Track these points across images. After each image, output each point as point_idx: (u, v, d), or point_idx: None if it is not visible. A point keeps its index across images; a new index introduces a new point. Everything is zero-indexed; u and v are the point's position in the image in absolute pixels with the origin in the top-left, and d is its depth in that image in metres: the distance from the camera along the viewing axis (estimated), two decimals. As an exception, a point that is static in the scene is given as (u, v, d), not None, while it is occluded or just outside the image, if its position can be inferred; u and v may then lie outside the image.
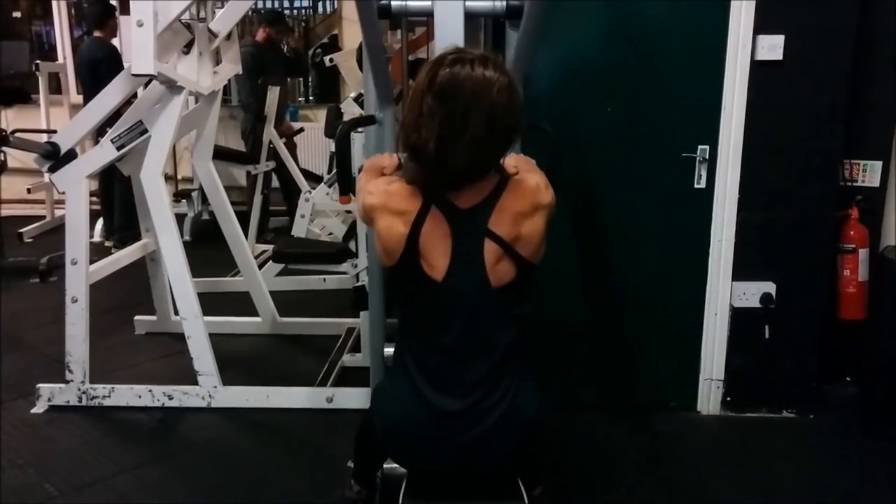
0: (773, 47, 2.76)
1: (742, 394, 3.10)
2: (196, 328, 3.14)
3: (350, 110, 4.57)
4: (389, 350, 2.48)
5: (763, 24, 2.75)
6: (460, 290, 1.56)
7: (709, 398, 3.12)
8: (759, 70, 2.79)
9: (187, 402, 3.17)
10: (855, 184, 3.10)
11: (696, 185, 2.93)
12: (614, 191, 2.96)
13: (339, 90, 7.05)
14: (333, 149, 5.90)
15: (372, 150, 2.51)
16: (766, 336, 3.00)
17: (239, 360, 3.60)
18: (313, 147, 6.80)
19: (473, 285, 1.55)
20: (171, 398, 3.17)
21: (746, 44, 2.77)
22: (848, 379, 3.30)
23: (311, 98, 7.43)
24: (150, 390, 3.17)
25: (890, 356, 2.86)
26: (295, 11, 7.40)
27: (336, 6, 7.17)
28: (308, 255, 3.47)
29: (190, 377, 3.19)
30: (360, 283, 3.35)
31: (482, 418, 1.59)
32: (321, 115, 7.08)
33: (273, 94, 5.13)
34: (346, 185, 2.38)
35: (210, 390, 3.16)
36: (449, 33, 2.09)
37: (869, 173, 3.10)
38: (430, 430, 1.61)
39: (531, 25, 2.04)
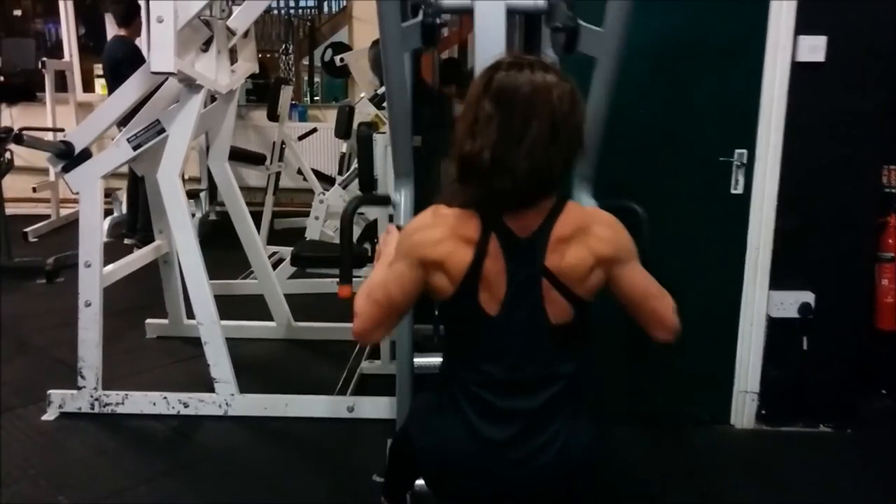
0: (814, 48, 2.68)
1: (777, 407, 3.00)
2: (213, 334, 3.04)
3: (366, 111, 4.47)
4: (419, 360, 2.41)
5: (804, 25, 2.66)
6: (516, 328, 1.45)
7: (743, 411, 3.02)
8: (800, 72, 2.70)
9: (203, 409, 3.07)
10: (893, 190, 3.01)
11: (732, 191, 2.84)
12: (647, 195, 2.83)
13: (348, 90, 6.97)
14: (344, 150, 5.90)
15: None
16: (805, 348, 2.91)
17: (254, 367, 3.50)
18: (323, 147, 6.70)
19: (530, 322, 1.45)
20: (186, 406, 3.07)
21: (787, 45, 2.69)
22: (884, 392, 3.20)
23: (315, 98, 7.36)
24: (164, 397, 3.07)
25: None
26: (300, 11, 7.34)
27: (343, 5, 7.09)
28: (326, 258, 3.37)
29: (205, 384, 3.09)
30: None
31: (536, 452, 1.49)
32: (329, 114, 7.01)
33: (286, 93, 5.03)
34: (347, 272, 2.09)
35: (227, 398, 3.06)
36: (489, 31, 1.99)
37: (909, 179, 3.00)
38: (478, 462, 1.50)
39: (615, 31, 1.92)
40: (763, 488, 2.63)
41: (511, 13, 2.05)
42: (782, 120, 2.74)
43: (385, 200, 2.11)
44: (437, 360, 2.37)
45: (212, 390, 3.07)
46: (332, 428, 3.00)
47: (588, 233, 1.45)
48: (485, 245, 1.42)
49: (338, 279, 3.00)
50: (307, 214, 5.90)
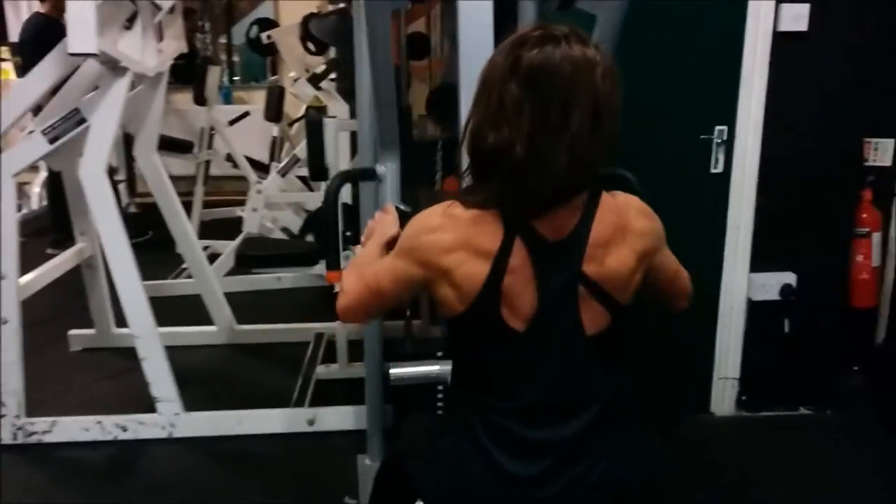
0: (797, 17, 2.55)
1: (757, 392, 2.92)
2: (152, 347, 2.72)
3: (304, 92, 4.14)
4: (396, 372, 2.17)
5: (788, -8, 2.52)
6: (548, 343, 1.23)
7: (723, 398, 2.92)
8: (782, 42, 2.57)
9: (145, 433, 2.76)
10: (866, 163, 2.93)
11: (712, 170, 2.70)
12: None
13: (269, 69, 6.58)
14: (276, 133, 5.54)
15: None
16: (787, 330, 2.81)
17: (198, 379, 3.18)
18: (252, 131, 6.28)
19: (564, 336, 1.23)
20: (125, 430, 2.75)
21: (769, 13, 2.55)
22: (856, 368, 3.15)
23: (234, 78, 6.91)
24: (98, 422, 2.74)
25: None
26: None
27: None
28: (275, 257, 3.07)
29: (144, 402, 2.78)
30: (341, 289, 3.01)
31: (569, 489, 1.28)
32: (256, 96, 6.61)
33: (214, 74, 4.64)
34: (334, 256, 1.90)
35: (171, 418, 2.75)
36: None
37: (880, 152, 2.92)
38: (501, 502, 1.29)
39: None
40: (748, 476, 2.55)
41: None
42: (763, 94, 2.61)
43: (370, 174, 1.92)
44: (414, 370, 2.17)
45: (153, 410, 2.76)
46: (291, 444, 2.74)
47: (627, 229, 1.25)
48: (506, 255, 1.19)
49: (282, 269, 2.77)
50: (237, 204, 5.58)
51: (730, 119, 2.65)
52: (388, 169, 1.92)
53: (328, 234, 1.85)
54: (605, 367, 1.28)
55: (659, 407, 2.90)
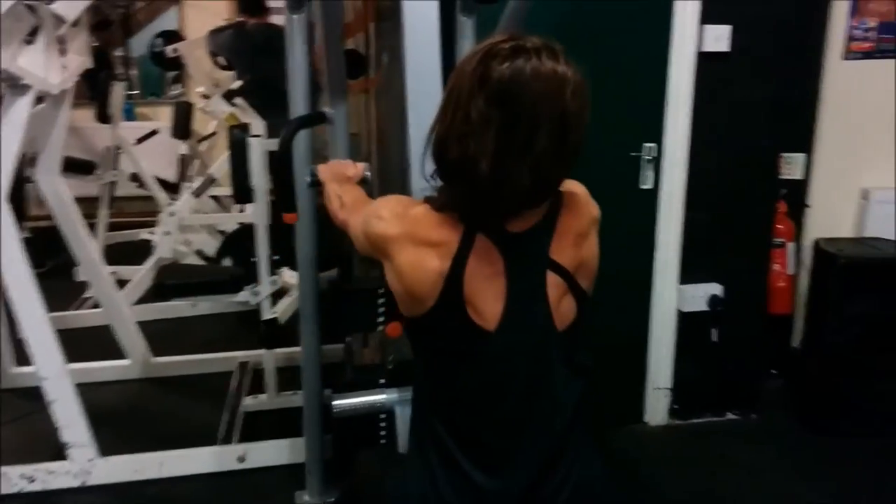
0: (719, 38, 2.63)
1: (688, 401, 2.99)
2: (62, 388, 2.51)
3: (219, 109, 3.95)
4: (340, 403, 2.08)
5: (710, 14, 2.60)
6: (521, 340, 1.21)
7: (657, 408, 2.98)
8: (706, 62, 2.65)
9: (55, 482, 2.54)
10: (780, 177, 3.06)
11: (642, 186, 2.74)
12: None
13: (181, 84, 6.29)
14: (184, 151, 5.27)
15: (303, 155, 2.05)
16: (715, 339, 2.89)
17: (112, 418, 2.94)
18: (157, 150, 5.95)
19: (536, 332, 1.21)
20: (32, 480, 2.52)
21: (692, 34, 2.62)
22: (774, 372, 3.28)
23: (132, 93, 6.56)
24: (1, 473, 2.48)
25: (834, 350, 2.84)
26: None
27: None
28: (198, 285, 2.89)
29: (52, 448, 2.56)
30: (271, 316, 2.87)
31: (548, 502, 1.26)
32: (160, 112, 6.29)
33: (118, 90, 4.37)
34: (290, 199, 1.91)
35: (85, 465, 2.54)
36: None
37: (793, 166, 3.06)
38: None
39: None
40: (683, 483, 2.61)
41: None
42: (689, 112, 2.68)
43: (322, 118, 2.05)
44: (360, 400, 2.09)
45: (63, 457, 2.54)
46: (222, 485, 2.58)
47: (587, 215, 1.30)
48: (466, 251, 1.17)
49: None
50: (141, 226, 5.26)
51: (658, 137, 2.70)
52: (338, 112, 2.08)
53: (285, 179, 1.94)
54: (573, 370, 1.27)
55: (594, 419, 2.94)
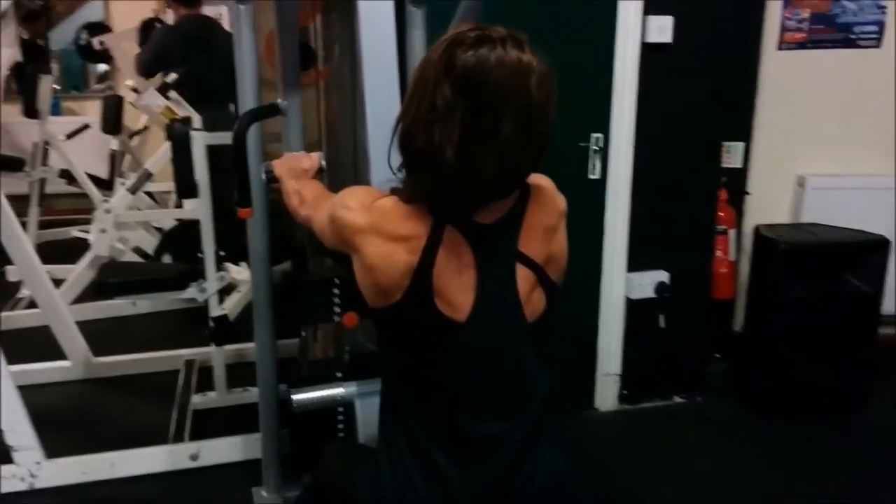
0: (662, 29, 2.69)
1: (637, 385, 3.06)
2: (4, 391, 2.40)
3: (154, 103, 3.84)
4: (299, 398, 2.06)
5: (653, 4, 2.66)
6: (491, 332, 1.22)
7: (606, 394, 3.04)
8: (649, 53, 2.70)
9: (2, 487, 2.44)
10: (722, 165, 3.16)
11: (590, 176, 2.79)
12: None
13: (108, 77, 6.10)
14: (116, 147, 5.12)
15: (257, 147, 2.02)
16: (662, 325, 2.97)
17: (58, 421, 2.85)
18: (87, 145, 5.76)
19: (506, 324, 1.23)
20: (-25, 487, 2.41)
21: (636, 25, 2.67)
22: (717, 356, 3.39)
23: (54, 87, 6.33)
24: (-59, 482, 2.38)
25: (774, 334, 2.94)
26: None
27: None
28: (141, 283, 2.81)
29: (-4, 453, 2.46)
30: (221, 313, 2.82)
31: (520, 492, 1.27)
32: (88, 106, 6.09)
33: (46, 83, 4.20)
34: (245, 194, 1.88)
35: (31, 468, 2.46)
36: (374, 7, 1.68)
37: (733, 154, 3.16)
38: None
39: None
40: (635, 467, 2.66)
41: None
42: (634, 102, 2.73)
43: (275, 110, 2.03)
44: (319, 394, 2.07)
45: (9, 461, 2.45)
46: (175, 484, 2.53)
47: (555, 208, 1.31)
48: (436, 243, 1.18)
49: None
50: (72, 223, 5.09)
51: (605, 127, 2.75)
52: (292, 103, 2.07)
53: (239, 171, 1.90)
54: (544, 360, 1.29)
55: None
